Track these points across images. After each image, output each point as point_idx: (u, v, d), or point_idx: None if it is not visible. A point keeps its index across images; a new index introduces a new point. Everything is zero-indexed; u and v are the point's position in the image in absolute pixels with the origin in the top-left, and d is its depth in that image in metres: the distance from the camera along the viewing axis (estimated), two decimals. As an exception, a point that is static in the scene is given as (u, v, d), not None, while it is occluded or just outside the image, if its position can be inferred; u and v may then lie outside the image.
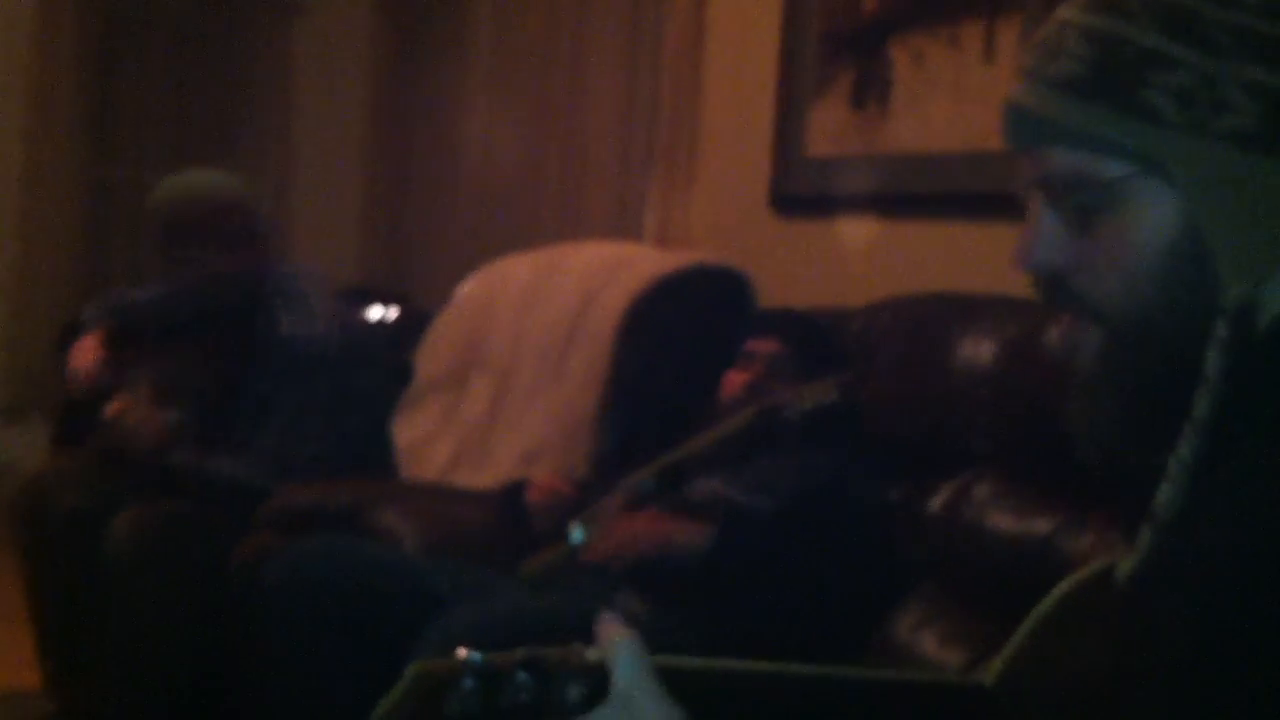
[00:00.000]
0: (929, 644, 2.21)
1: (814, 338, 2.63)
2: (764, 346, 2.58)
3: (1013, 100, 1.01)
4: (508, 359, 3.44)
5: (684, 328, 3.23)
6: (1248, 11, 0.94)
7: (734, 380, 2.57)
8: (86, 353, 3.01)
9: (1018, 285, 1.11)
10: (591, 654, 0.96)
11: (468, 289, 3.68)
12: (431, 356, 3.64)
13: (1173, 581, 0.90)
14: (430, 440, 3.50)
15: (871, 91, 3.18)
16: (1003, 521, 2.23)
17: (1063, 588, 1.12)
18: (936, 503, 2.37)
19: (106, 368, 2.98)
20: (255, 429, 2.88)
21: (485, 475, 3.26)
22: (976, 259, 2.65)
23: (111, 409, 2.81)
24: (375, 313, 4.60)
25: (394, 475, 3.26)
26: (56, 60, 5.45)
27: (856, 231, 3.24)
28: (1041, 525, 2.14)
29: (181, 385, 2.91)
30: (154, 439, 2.78)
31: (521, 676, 0.94)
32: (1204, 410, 0.94)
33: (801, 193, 3.43)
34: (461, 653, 0.94)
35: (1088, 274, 1.00)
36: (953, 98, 2.94)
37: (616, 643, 0.97)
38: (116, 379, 2.94)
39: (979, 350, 2.40)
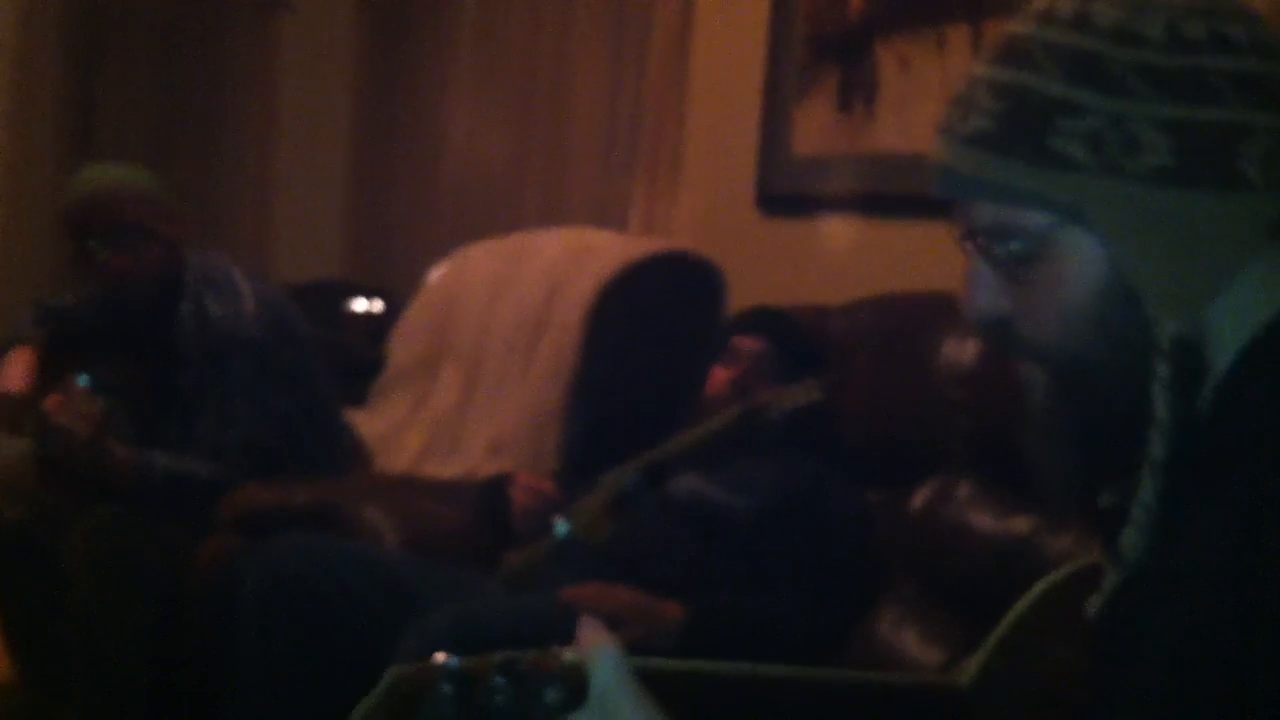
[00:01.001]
0: (909, 643, 2.21)
1: (797, 336, 2.63)
2: (749, 344, 2.58)
3: (934, 158, 1.03)
4: (476, 348, 3.43)
5: (652, 315, 3.22)
6: (1151, 49, 0.94)
7: (719, 377, 2.57)
8: (13, 372, 2.97)
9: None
10: (569, 657, 0.96)
11: (436, 277, 3.67)
12: (402, 346, 3.63)
13: (1141, 621, 0.90)
14: (400, 430, 3.48)
15: (857, 93, 3.18)
16: (982, 521, 2.23)
17: (1038, 590, 1.13)
18: (916, 502, 2.38)
19: (40, 382, 2.94)
20: (189, 421, 2.87)
21: (454, 465, 3.25)
22: (959, 260, 2.65)
23: (46, 404, 2.78)
24: (360, 305, 4.60)
25: (342, 459, 3.22)
26: (39, 58, 5.43)
27: (841, 231, 3.25)
28: (1020, 525, 2.15)
29: (115, 386, 2.88)
30: (88, 428, 2.74)
31: (498, 681, 0.94)
32: (1160, 452, 0.94)
33: (787, 192, 3.44)
34: (439, 657, 0.94)
35: (1026, 320, 1.01)
36: (938, 100, 2.93)
37: (595, 646, 0.97)
38: (53, 388, 2.91)
39: (959, 350, 2.40)
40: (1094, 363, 0.97)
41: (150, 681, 2.76)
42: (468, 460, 3.21)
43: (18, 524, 2.95)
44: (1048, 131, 0.95)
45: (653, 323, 3.20)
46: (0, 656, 3.13)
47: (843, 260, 3.23)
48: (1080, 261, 0.97)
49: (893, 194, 3.09)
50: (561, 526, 2.41)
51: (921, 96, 3.01)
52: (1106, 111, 0.93)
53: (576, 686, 0.95)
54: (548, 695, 0.95)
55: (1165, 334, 0.94)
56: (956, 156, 1.00)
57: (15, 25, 5.35)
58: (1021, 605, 1.12)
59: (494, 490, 2.68)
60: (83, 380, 2.79)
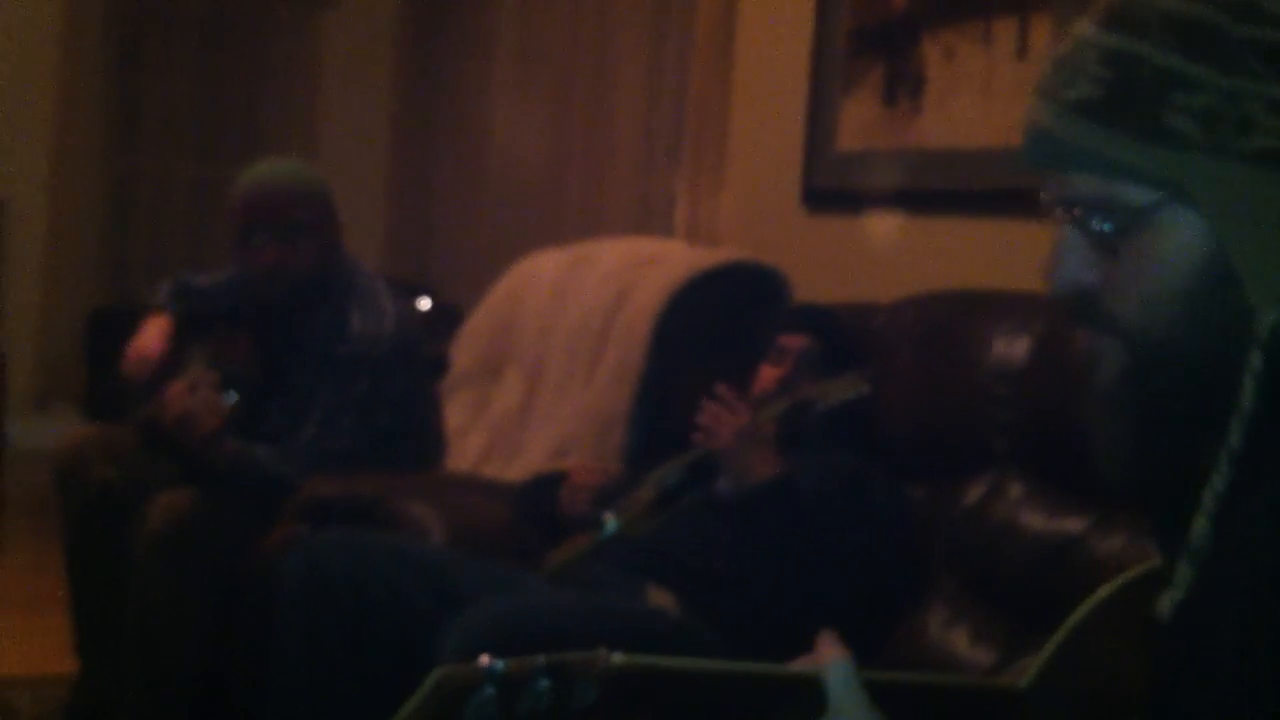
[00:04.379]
0: (959, 642, 2.20)
1: (842, 333, 2.62)
2: (795, 342, 2.57)
3: (1032, 121, 0.98)
4: (539, 354, 3.45)
5: (718, 325, 3.22)
6: (1272, 25, 0.90)
7: (766, 375, 2.56)
8: (152, 336, 3.01)
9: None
10: (616, 659, 0.96)
11: (502, 284, 3.69)
12: (465, 349, 3.65)
13: (1213, 617, 0.89)
14: (462, 432, 3.51)
15: (903, 87, 3.17)
16: (1034, 521, 2.22)
17: (1101, 593, 1.11)
18: (966, 501, 2.36)
19: (168, 352, 2.98)
20: (297, 422, 2.88)
21: (516, 468, 3.27)
22: (1006, 255, 2.64)
23: (176, 385, 2.79)
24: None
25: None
26: (84, 52, 5.47)
27: (886, 227, 3.23)
28: (1073, 525, 2.13)
29: (236, 372, 2.90)
30: (210, 423, 2.76)
31: (542, 683, 0.94)
32: (1238, 441, 0.91)
33: (832, 188, 3.43)
34: (483, 660, 0.93)
35: (1114, 295, 0.97)
36: (984, 94, 2.93)
37: (831, 661, 0.99)
38: (175, 362, 2.94)
39: (1006, 347, 2.38)
40: (1180, 346, 0.94)
41: (205, 667, 2.78)
42: (530, 463, 3.23)
43: (103, 484, 2.96)
44: (1160, 105, 0.91)
45: (719, 330, 3.20)
46: (65, 649, 3.16)
47: (888, 256, 3.21)
48: (1179, 241, 0.93)
49: (939, 189, 3.07)
50: (611, 523, 2.41)
51: (967, 91, 2.99)
52: (1222, 88, 0.89)
53: (622, 688, 0.95)
54: (591, 696, 0.94)
55: (1265, 323, 0.90)
56: (1058, 122, 0.95)
57: (61, 22, 5.39)
58: (1084, 608, 1.11)
59: (544, 483, 2.69)
60: (214, 370, 2.81)
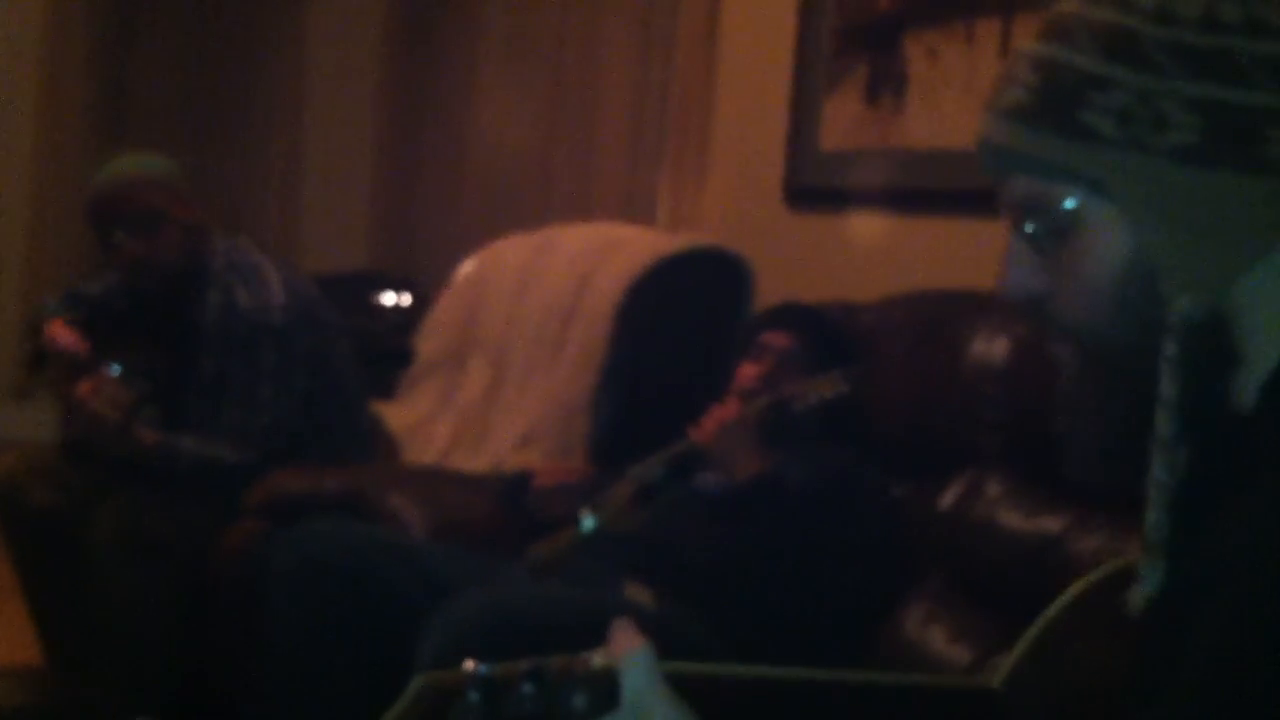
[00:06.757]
0: (937, 640, 2.21)
1: (826, 331, 2.62)
2: (777, 339, 2.57)
3: (978, 132, 1.03)
4: (504, 341, 3.44)
5: (682, 309, 3.22)
6: (1185, 28, 0.94)
7: (747, 372, 2.57)
8: (64, 331, 3.00)
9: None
10: (598, 662, 0.96)
11: (465, 271, 3.68)
12: (430, 338, 3.65)
13: (1181, 609, 0.90)
14: (428, 421, 3.50)
15: (886, 86, 3.17)
16: (1012, 520, 2.23)
17: (1074, 590, 1.12)
18: (946, 499, 2.37)
19: (85, 343, 2.97)
20: (216, 406, 2.89)
21: (483, 457, 3.26)
22: (988, 255, 2.64)
23: (79, 390, 2.81)
24: (389, 298, 4.62)
25: (367, 445, 3.23)
26: (69, 44, 5.45)
27: (869, 226, 3.24)
28: (1051, 524, 2.14)
29: (143, 372, 2.91)
30: (118, 415, 2.76)
31: (526, 688, 0.94)
32: (1166, 430, 0.94)
33: (814, 186, 3.43)
34: (468, 665, 0.94)
35: (1059, 298, 1.01)
36: (967, 94, 2.93)
37: (627, 650, 0.96)
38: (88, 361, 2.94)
39: (989, 347, 2.39)
40: (1117, 340, 0.98)
41: (177, 664, 2.78)
42: (496, 452, 3.23)
43: (45, 508, 2.96)
44: (1079, 105, 0.95)
45: (682, 316, 3.20)
46: (28, 640, 3.15)
47: (870, 255, 3.22)
48: (1105, 238, 0.97)
49: (921, 188, 3.08)
50: (588, 519, 2.41)
51: (950, 90, 2.99)
52: (1136, 87, 0.94)
53: (606, 691, 0.95)
54: (575, 701, 0.94)
55: (1177, 312, 0.95)
56: (995, 130, 1.01)
57: (45, 13, 5.37)
58: (1056, 605, 1.12)
59: (516, 485, 2.69)
60: (114, 369, 2.82)
